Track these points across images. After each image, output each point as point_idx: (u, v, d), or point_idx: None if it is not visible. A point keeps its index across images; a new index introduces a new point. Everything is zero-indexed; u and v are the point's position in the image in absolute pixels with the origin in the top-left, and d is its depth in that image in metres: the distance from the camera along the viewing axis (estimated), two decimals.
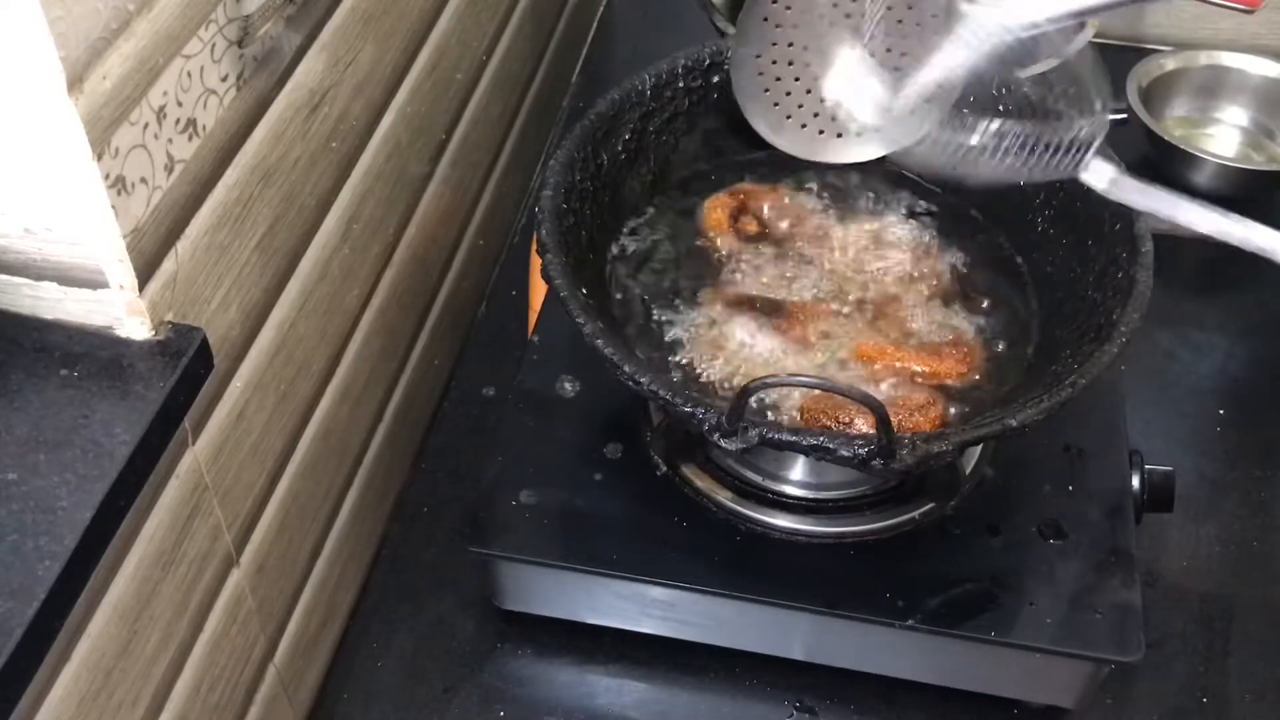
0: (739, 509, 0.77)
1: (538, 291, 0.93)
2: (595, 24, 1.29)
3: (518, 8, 1.01)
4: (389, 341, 0.85)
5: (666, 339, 0.78)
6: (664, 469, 0.79)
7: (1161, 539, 0.88)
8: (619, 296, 0.80)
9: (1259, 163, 1.13)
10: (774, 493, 0.78)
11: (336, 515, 0.80)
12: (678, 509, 0.78)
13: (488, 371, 0.98)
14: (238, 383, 0.63)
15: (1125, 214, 0.76)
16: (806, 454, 0.65)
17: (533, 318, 0.92)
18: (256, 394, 0.65)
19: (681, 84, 0.84)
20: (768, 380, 0.63)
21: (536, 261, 0.75)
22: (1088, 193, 0.79)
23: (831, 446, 0.64)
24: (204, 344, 0.55)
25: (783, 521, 0.77)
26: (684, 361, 0.77)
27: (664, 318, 0.79)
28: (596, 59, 1.26)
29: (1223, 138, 1.16)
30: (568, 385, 0.84)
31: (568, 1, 1.19)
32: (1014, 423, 0.65)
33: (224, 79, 0.56)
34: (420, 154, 0.85)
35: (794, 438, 0.64)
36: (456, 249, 0.97)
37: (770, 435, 0.64)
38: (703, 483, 0.78)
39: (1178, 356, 1.01)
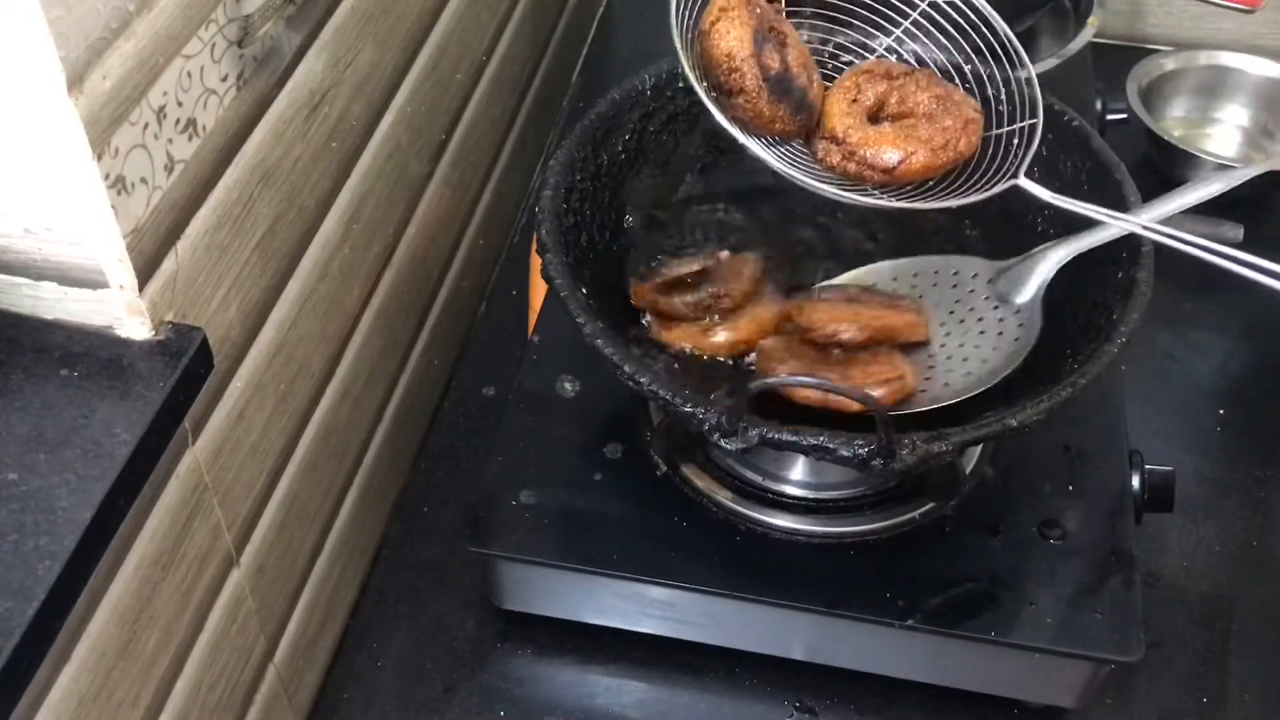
0: (739, 509, 0.77)
1: (538, 291, 0.93)
2: (595, 24, 1.29)
3: (518, 8, 1.01)
4: (389, 341, 0.85)
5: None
6: (664, 469, 0.79)
7: (1161, 539, 0.88)
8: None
9: (1258, 161, 1.13)
10: (774, 493, 0.78)
11: (337, 515, 0.80)
12: (678, 509, 0.78)
13: (488, 371, 0.98)
14: (238, 382, 0.63)
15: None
16: (806, 454, 0.65)
17: (533, 318, 0.92)
18: (257, 394, 0.65)
19: (681, 84, 0.84)
20: (768, 381, 0.63)
21: (536, 261, 0.75)
22: (1087, 192, 0.80)
23: (831, 446, 0.64)
24: (204, 344, 0.55)
25: (783, 521, 0.77)
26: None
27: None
28: (596, 59, 1.26)
29: (1223, 138, 1.16)
30: (568, 385, 0.84)
31: (568, 1, 1.19)
32: (1014, 423, 0.65)
33: (224, 79, 0.56)
34: (420, 154, 0.85)
35: (794, 438, 0.64)
36: (456, 249, 0.97)
37: (770, 435, 0.64)
38: (703, 483, 0.78)
39: (1178, 356, 1.01)
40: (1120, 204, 0.76)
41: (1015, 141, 0.70)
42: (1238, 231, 0.94)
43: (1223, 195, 1.09)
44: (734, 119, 0.68)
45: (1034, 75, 0.72)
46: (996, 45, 0.72)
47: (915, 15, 0.72)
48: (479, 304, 1.04)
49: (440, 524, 0.88)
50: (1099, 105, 1.10)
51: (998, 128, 0.72)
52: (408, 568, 0.86)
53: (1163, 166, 1.10)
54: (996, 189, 0.67)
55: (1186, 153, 1.08)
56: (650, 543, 0.76)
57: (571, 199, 0.78)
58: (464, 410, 0.96)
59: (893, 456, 0.63)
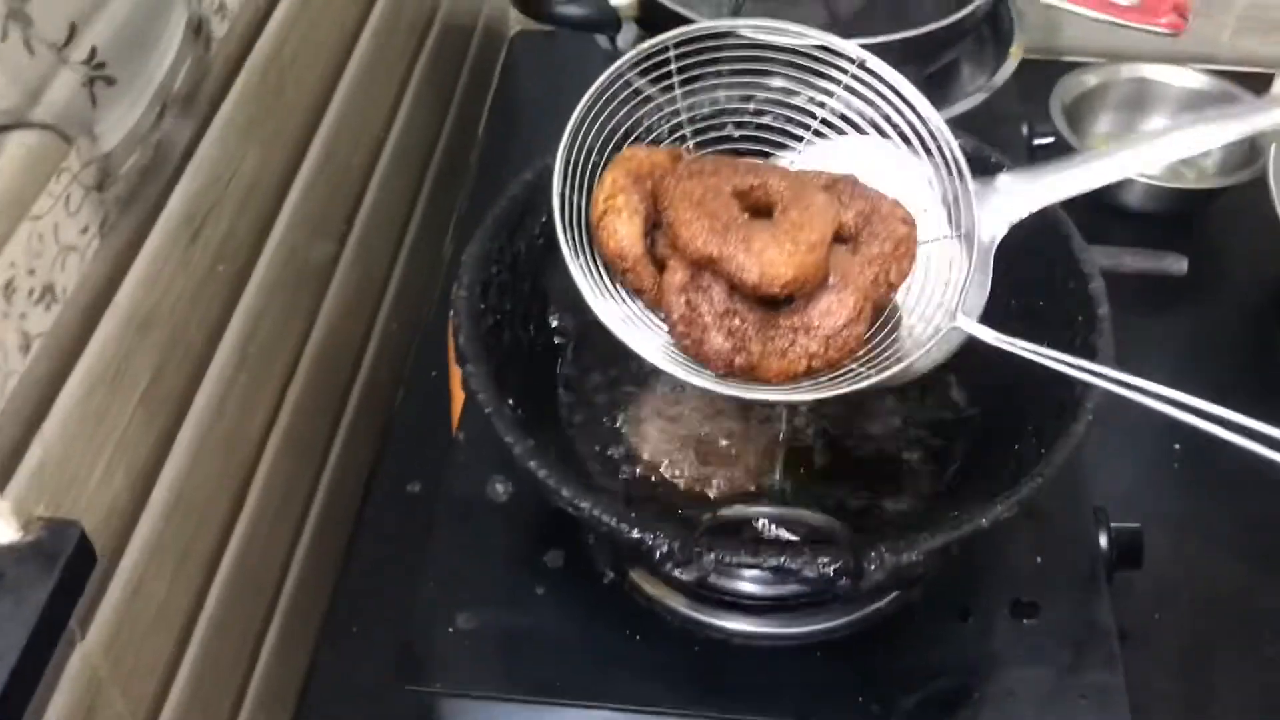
0: (695, 615, 0.72)
1: (459, 380, 0.87)
2: (499, 70, 1.23)
3: (415, 73, 0.94)
4: (300, 459, 0.78)
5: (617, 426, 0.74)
6: (610, 575, 0.73)
7: (1129, 590, 0.85)
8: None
9: (1189, 179, 1.11)
10: (731, 593, 0.73)
11: (257, 658, 0.74)
12: (628, 620, 0.72)
13: (411, 464, 0.91)
14: (130, 556, 0.56)
15: (1078, 272, 0.72)
16: (770, 573, 0.60)
17: (455, 409, 0.85)
18: (154, 560, 0.58)
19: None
20: (724, 513, 0.57)
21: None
22: (1034, 249, 0.76)
23: (794, 568, 0.59)
24: (82, 539, 0.48)
25: (743, 625, 0.72)
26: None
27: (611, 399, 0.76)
28: (503, 107, 1.20)
29: None
30: (499, 487, 0.78)
31: (468, 54, 1.12)
32: (985, 523, 0.61)
33: (84, 230, 0.49)
34: (320, 252, 0.78)
35: (755, 559, 0.59)
36: (368, 339, 0.90)
37: (728, 559, 0.59)
38: (653, 588, 0.73)
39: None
40: (1071, 261, 0.72)
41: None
42: (1181, 264, 0.91)
43: (1163, 216, 1.08)
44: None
45: (971, 187, 0.64)
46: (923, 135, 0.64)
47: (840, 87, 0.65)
48: (396, 390, 0.97)
49: (372, 644, 0.81)
50: (1025, 130, 1.07)
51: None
52: (341, 700, 0.79)
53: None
54: (933, 341, 0.61)
55: None
56: (600, 661, 0.71)
57: (489, 295, 0.72)
58: (389, 512, 0.89)
59: (861, 575, 0.58)
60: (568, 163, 0.61)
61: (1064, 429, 0.65)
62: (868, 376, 0.60)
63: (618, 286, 0.63)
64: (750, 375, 0.59)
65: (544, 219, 0.77)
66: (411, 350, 1.00)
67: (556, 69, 1.20)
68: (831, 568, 0.59)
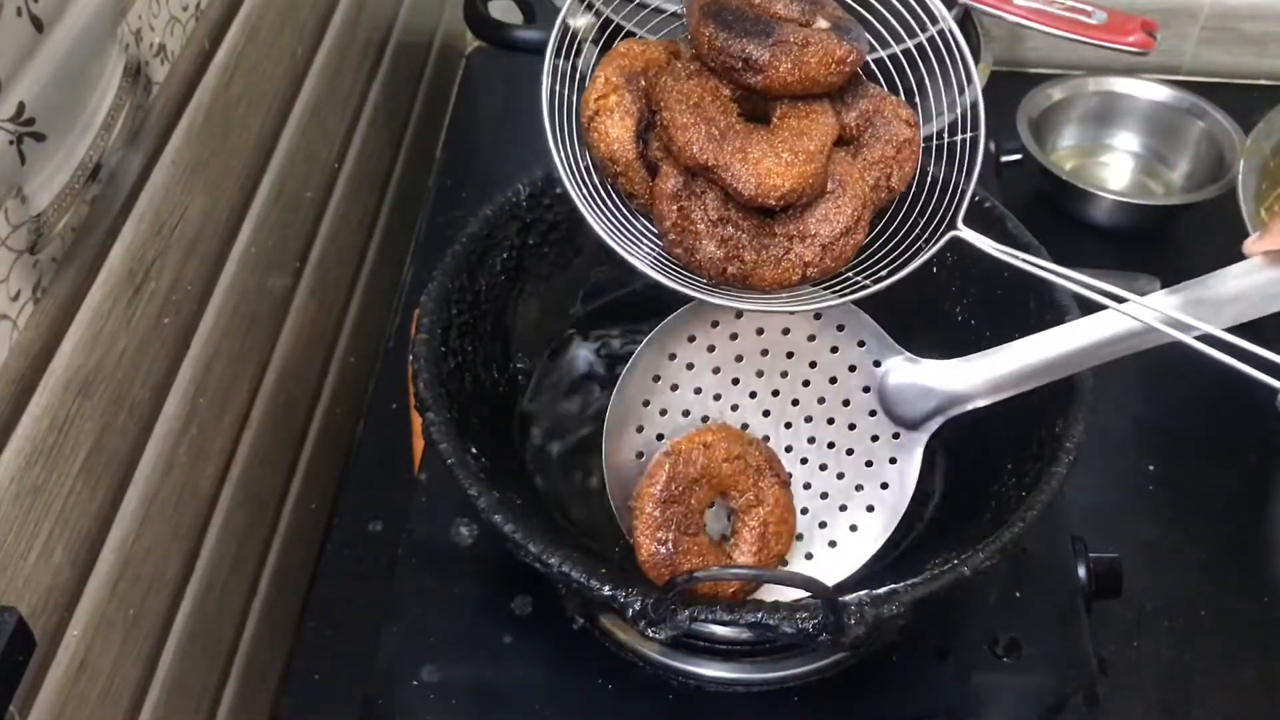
0: (669, 661, 0.70)
1: (420, 425, 0.84)
2: (456, 88, 1.20)
3: (369, 99, 0.91)
4: (256, 507, 0.75)
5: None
6: (581, 621, 0.71)
7: (1107, 620, 0.84)
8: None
9: (1156, 194, 1.10)
10: (705, 638, 0.71)
11: (215, 717, 0.71)
12: (600, 667, 0.70)
13: (373, 502, 0.88)
14: (74, 631, 0.53)
15: (1054, 303, 0.70)
16: (748, 630, 0.58)
17: (417, 449, 0.83)
18: (100, 634, 0.55)
19: (559, 190, 0.75)
20: (697, 575, 0.55)
21: None
22: (1007, 277, 0.74)
23: (773, 623, 0.57)
24: (20, 624, 0.45)
25: (718, 672, 0.70)
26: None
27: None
28: (461, 128, 1.17)
29: (1116, 165, 1.13)
30: (464, 530, 0.76)
31: (424, 73, 1.09)
32: (967, 571, 0.59)
33: (15, 297, 0.46)
34: (272, 293, 0.75)
35: (731, 615, 0.57)
36: (325, 375, 0.87)
37: (704, 615, 0.57)
38: (625, 635, 0.71)
39: (1095, 409, 0.97)
40: (1045, 294, 0.71)
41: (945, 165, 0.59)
42: (1154, 285, 0.90)
43: (1131, 231, 1.07)
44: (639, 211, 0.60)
45: (975, 75, 0.59)
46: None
47: None
48: (356, 425, 0.94)
49: (335, 695, 0.78)
50: (992, 147, 1.05)
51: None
52: None
53: (1058, 202, 1.06)
54: (930, 250, 0.56)
55: (1082, 190, 1.04)
56: (572, 714, 0.69)
57: (450, 337, 0.70)
58: (350, 552, 0.86)
59: (842, 631, 0.56)
60: (558, 54, 0.56)
61: (1046, 470, 0.63)
62: (864, 286, 0.57)
63: (607, 189, 0.59)
64: (743, 284, 0.56)
65: (506, 255, 0.75)
66: (371, 383, 0.97)
67: (515, 85, 1.17)
68: (811, 624, 0.57)
